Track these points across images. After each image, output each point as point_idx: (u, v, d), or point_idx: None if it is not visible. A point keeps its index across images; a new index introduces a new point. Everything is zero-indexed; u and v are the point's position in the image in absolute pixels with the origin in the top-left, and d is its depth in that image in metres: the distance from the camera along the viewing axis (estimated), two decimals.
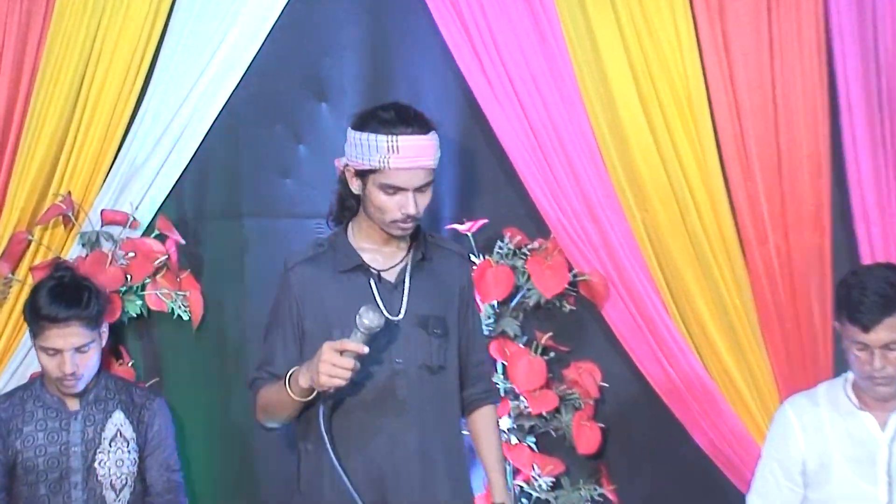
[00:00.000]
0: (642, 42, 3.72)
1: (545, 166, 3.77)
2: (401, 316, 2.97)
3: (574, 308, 3.85)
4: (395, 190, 2.89)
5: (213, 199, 3.92)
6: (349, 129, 2.93)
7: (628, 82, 3.73)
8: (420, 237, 3.04)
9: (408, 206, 2.88)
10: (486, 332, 3.67)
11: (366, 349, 2.75)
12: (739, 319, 3.76)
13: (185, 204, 3.90)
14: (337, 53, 3.81)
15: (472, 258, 3.67)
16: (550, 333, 3.86)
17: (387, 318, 2.85)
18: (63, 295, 3.38)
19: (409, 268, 3.00)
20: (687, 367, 3.75)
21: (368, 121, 2.90)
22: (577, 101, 3.73)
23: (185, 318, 3.82)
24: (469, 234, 3.77)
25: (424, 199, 2.92)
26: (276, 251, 3.63)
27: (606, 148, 3.77)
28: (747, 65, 3.73)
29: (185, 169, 3.84)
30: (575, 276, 3.79)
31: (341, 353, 2.76)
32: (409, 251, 3.04)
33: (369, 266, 2.97)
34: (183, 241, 3.82)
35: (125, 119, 3.82)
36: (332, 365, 2.75)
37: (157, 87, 3.83)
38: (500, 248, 3.82)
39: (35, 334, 3.39)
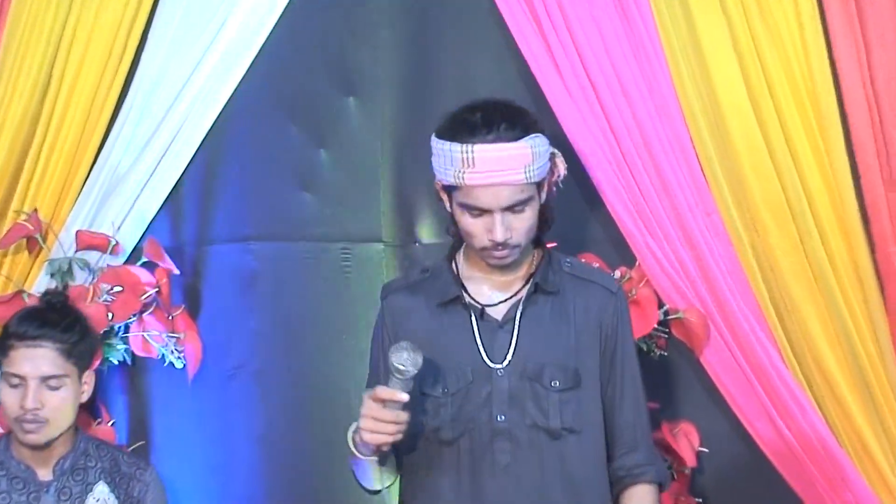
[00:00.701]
0: (751, 23, 3.37)
1: (630, 178, 3.39)
2: (505, 363, 2.70)
3: (665, 353, 3.45)
4: (480, 211, 2.65)
5: (215, 218, 3.61)
6: (433, 135, 2.73)
7: (734, 74, 3.35)
8: (544, 263, 2.77)
9: (495, 231, 2.63)
10: None
11: (405, 397, 2.55)
12: (874, 369, 3.39)
13: (179, 224, 3.61)
14: (369, 36, 3.55)
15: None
16: None
17: (488, 367, 2.67)
18: (39, 312, 3.14)
19: (523, 302, 2.72)
20: (807, 428, 3.38)
21: (450, 125, 2.67)
22: (670, 100, 3.37)
23: (179, 366, 3.51)
24: None
25: (521, 221, 2.66)
26: (291, 282, 3.50)
27: (706, 155, 3.39)
28: (887, 51, 3.36)
29: (178, 180, 3.55)
30: (666, 313, 3.40)
31: (383, 403, 2.56)
32: (527, 281, 2.76)
33: (472, 299, 2.73)
34: (177, 271, 3.51)
35: (104, 119, 3.55)
36: (373, 419, 2.56)
37: (143, 78, 3.55)
38: None
39: (1, 362, 3.11)
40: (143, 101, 3.55)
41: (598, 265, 3.36)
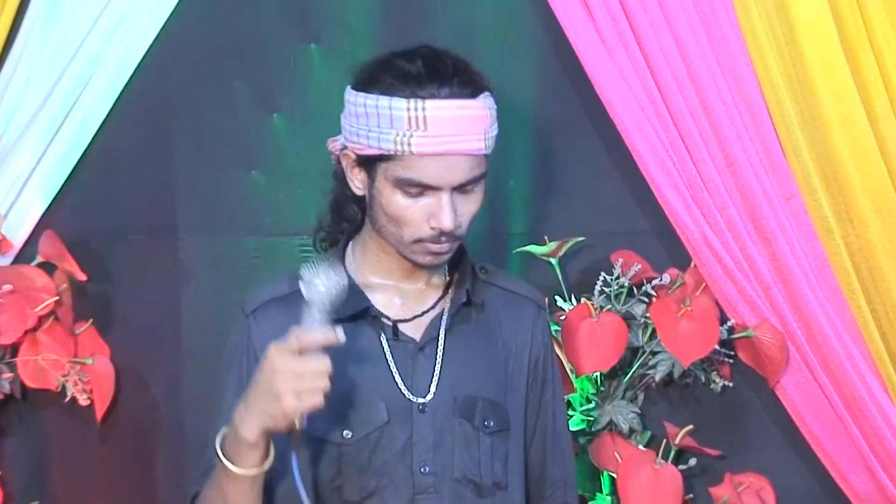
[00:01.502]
0: None
1: (682, 151, 3.09)
2: (429, 396, 2.56)
3: (729, 384, 3.21)
4: (421, 189, 2.51)
5: (132, 205, 3.34)
6: (348, 88, 2.58)
7: (823, 16, 3.04)
8: (465, 268, 2.66)
9: (441, 215, 2.50)
10: (579, 426, 3.21)
11: (340, 336, 2.36)
12: None
13: (84, 214, 3.34)
14: None
15: (559, 304, 3.20)
16: (691, 427, 3.21)
17: (408, 400, 2.54)
18: None
19: (445, 318, 2.61)
20: None
21: (380, 76, 2.52)
22: (736, 50, 3.09)
23: (85, 401, 3.23)
24: (553, 261, 3.21)
25: (470, 204, 2.54)
26: (235, 288, 3.21)
27: (785, 122, 3.08)
28: None
29: (80, 159, 3.27)
30: (730, 331, 3.15)
31: (300, 353, 2.35)
32: (446, 291, 2.65)
33: (380, 313, 2.61)
34: (83, 275, 3.23)
35: None
36: (296, 375, 2.32)
37: (34, 19, 3.24)
38: (606, 284, 3.21)
39: None
40: (34, 51, 3.26)
41: (639, 267, 3.17)
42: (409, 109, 2.44)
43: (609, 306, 3.18)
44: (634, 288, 3.21)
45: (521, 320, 2.68)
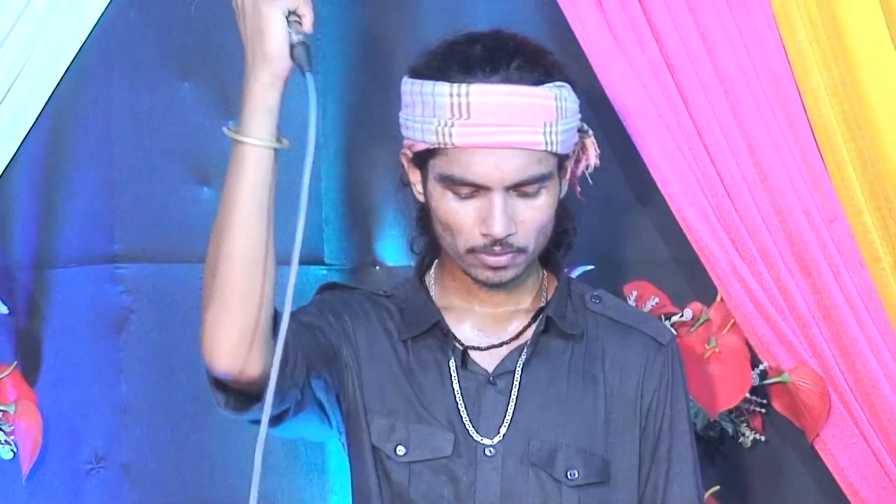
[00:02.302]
0: None
1: (708, 166, 2.92)
2: (497, 438, 2.38)
3: (762, 438, 3.00)
4: (471, 189, 2.34)
5: (63, 228, 3.11)
6: (404, 77, 2.42)
7: (876, 19, 2.88)
8: (560, 292, 2.47)
9: (491, 219, 2.32)
10: None
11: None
12: None
13: (6, 238, 3.12)
14: None
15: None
16: (717, 488, 3.00)
17: (473, 440, 2.38)
18: None
19: (527, 348, 2.44)
20: None
21: (435, 59, 2.37)
22: (771, 47, 2.92)
23: (8, 456, 3.01)
24: None
25: (533, 210, 2.34)
26: (183, 325, 3.03)
27: (828, 132, 2.89)
28: None
29: (2, 173, 3.04)
30: (763, 375, 2.94)
31: None
32: (535, 318, 2.47)
33: (451, 335, 2.44)
34: (5, 309, 3.03)
35: None
36: None
37: None
38: None
39: None
40: None
41: (657, 300, 3.00)
42: (451, 95, 2.32)
43: None
44: None
45: (630, 357, 2.50)
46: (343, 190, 3.14)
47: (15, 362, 3.00)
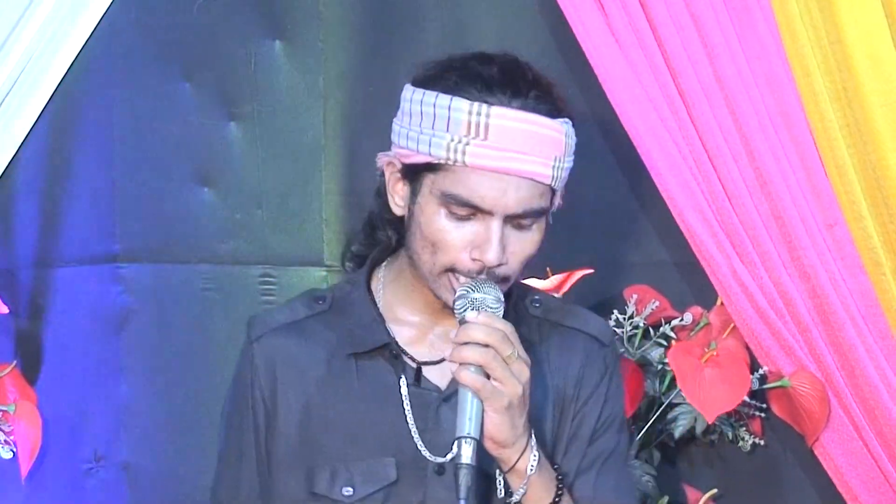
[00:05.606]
0: None
1: (710, 171, 2.94)
2: (450, 455, 2.28)
3: (761, 442, 3.03)
4: (470, 211, 2.30)
5: (64, 228, 3.14)
6: (407, 85, 2.36)
7: (878, 24, 2.89)
8: (513, 302, 2.44)
9: (487, 245, 2.30)
10: None
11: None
12: None
13: (8, 238, 3.14)
14: None
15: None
16: (715, 491, 3.04)
17: (424, 459, 2.33)
18: None
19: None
20: None
21: (445, 73, 2.31)
22: (771, 51, 2.92)
23: (8, 455, 2.99)
24: (556, 297, 3.03)
25: (524, 244, 2.33)
26: (183, 324, 3.13)
27: (828, 136, 2.89)
28: None
29: (3, 173, 3.05)
30: (763, 379, 2.96)
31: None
32: None
33: (402, 352, 2.39)
34: (4, 308, 3.01)
35: None
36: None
37: None
38: (619, 325, 3.06)
39: None
40: None
41: (656, 304, 3.02)
42: (471, 113, 2.27)
43: (621, 350, 2.99)
44: (651, 329, 3.06)
45: (572, 359, 2.45)
46: (343, 192, 3.16)
47: (15, 362, 3.01)
